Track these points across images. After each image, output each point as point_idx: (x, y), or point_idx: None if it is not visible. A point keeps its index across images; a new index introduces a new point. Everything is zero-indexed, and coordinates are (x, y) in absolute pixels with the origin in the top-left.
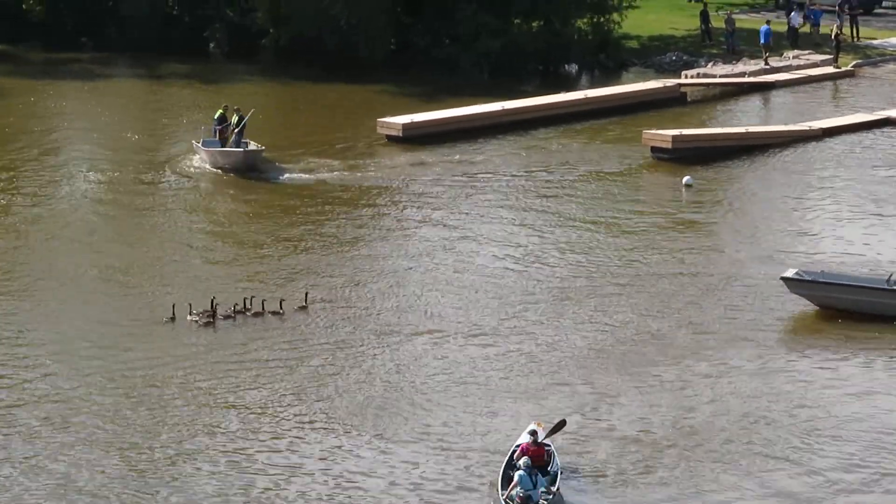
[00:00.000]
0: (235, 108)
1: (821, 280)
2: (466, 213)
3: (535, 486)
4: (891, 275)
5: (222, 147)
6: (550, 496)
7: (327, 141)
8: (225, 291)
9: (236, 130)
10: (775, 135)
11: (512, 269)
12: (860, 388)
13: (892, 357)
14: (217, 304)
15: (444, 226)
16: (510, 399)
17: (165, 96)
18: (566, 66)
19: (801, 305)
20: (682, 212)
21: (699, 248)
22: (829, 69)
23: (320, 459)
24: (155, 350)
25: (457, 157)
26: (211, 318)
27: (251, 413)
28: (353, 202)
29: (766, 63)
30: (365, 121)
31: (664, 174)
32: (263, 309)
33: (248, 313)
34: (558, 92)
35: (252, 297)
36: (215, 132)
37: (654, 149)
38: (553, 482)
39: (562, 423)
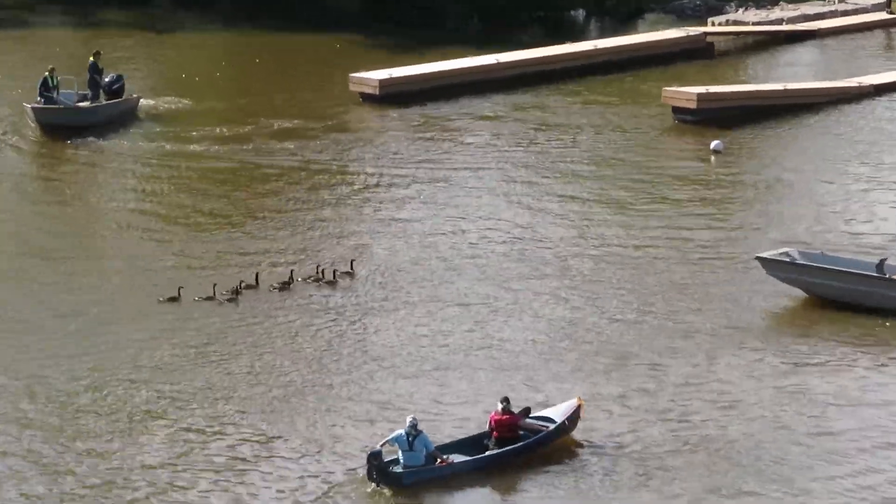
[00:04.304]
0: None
1: (798, 262)
2: (452, 186)
3: (410, 449)
4: (882, 259)
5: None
6: (406, 468)
7: (290, 101)
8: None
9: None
10: (818, 92)
11: (501, 248)
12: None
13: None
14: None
15: (427, 201)
16: (482, 381)
17: (101, 48)
18: (571, 12)
19: (795, 293)
20: (708, 184)
21: (722, 226)
22: (882, 15)
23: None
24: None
25: (442, 119)
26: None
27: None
28: (318, 174)
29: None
30: (335, 77)
31: (688, 139)
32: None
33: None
34: (562, 43)
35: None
36: (92, 84)
37: (676, 109)
38: (471, 454)
39: (527, 410)
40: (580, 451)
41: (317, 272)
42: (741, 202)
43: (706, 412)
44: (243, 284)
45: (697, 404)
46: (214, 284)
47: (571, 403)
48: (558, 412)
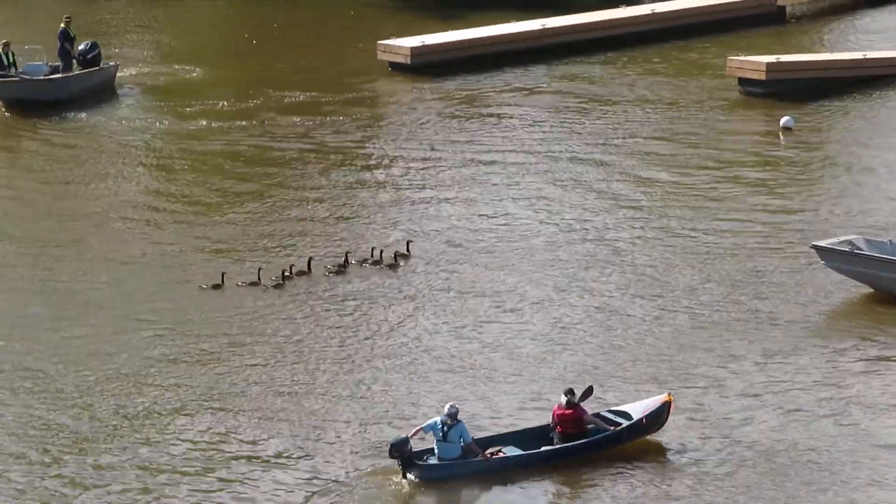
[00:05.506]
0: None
1: (861, 253)
2: (493, 167)
3: (444, 439)
4: None
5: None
6: (441, 460)
7: (311, 71)
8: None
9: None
10: None
11: (549, 236)
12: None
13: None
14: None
15: (465, 184)
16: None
17: (97, 15)
18: None
19: (860, 289)
20: (777, 165)
21: (793, 212)
22: None
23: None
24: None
25: (481, 93)
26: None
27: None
28: (341, 154)
29: None
30: (361, 44)
31: (755, 115)
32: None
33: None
34: (616, 7)
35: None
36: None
37: (742, 81)
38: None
39: (589, 391)
40: (634, 458)
41: (372, 255)
42: (813, 186)
43: (767, 420)
44: (294, 269)
45: (757, 411)
46: (259, 269)
47: (657, 399)
48: (638, 409)
